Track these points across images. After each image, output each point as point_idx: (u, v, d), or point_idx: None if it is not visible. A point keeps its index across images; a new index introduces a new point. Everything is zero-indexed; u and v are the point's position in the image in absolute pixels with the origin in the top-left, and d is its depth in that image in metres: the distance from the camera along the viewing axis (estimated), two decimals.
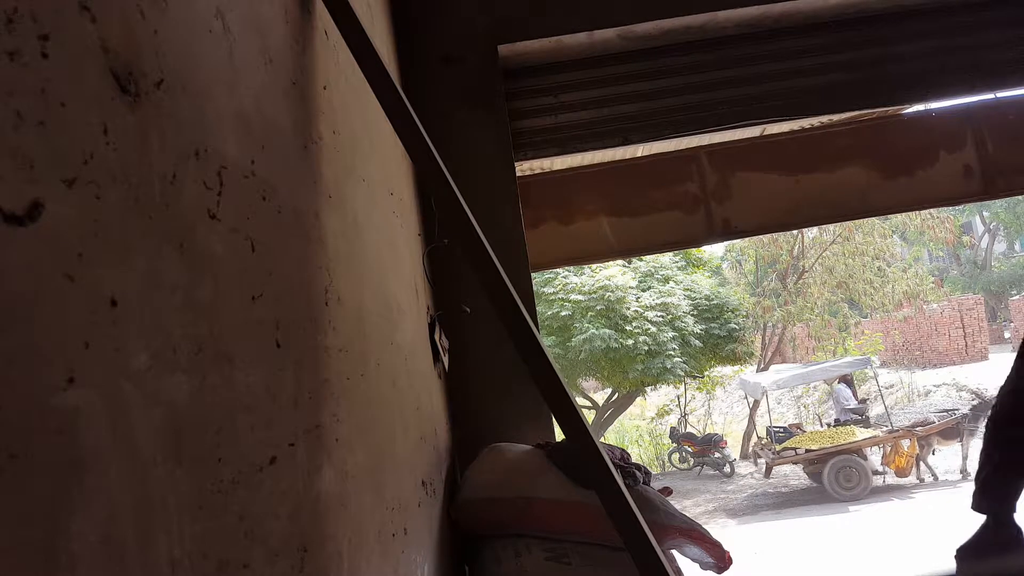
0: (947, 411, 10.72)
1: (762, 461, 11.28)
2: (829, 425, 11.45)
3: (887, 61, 2.60)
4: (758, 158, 2.80)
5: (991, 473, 1.48)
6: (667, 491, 1.92)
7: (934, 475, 10.23)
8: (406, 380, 1.52)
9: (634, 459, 1.98)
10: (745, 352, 12.45)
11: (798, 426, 12.09)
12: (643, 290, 11.56)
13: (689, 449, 12.95)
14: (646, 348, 10.74)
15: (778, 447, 10.50)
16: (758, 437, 12.31)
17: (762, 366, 14.71)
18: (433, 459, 1.75)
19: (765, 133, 2.83)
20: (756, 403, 14.70)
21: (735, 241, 14.61)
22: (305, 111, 1.04)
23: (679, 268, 12.53)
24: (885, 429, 10.57)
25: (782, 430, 11.36)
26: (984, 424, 1.58)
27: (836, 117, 2.76)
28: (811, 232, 14.02)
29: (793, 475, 11.80)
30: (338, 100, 1.25)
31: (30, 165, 0.44)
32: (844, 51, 2.60)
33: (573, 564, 1.65)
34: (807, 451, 10.07)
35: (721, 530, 9.30)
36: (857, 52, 2.60)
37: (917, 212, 13.60)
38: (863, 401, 11.79)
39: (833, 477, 9.78)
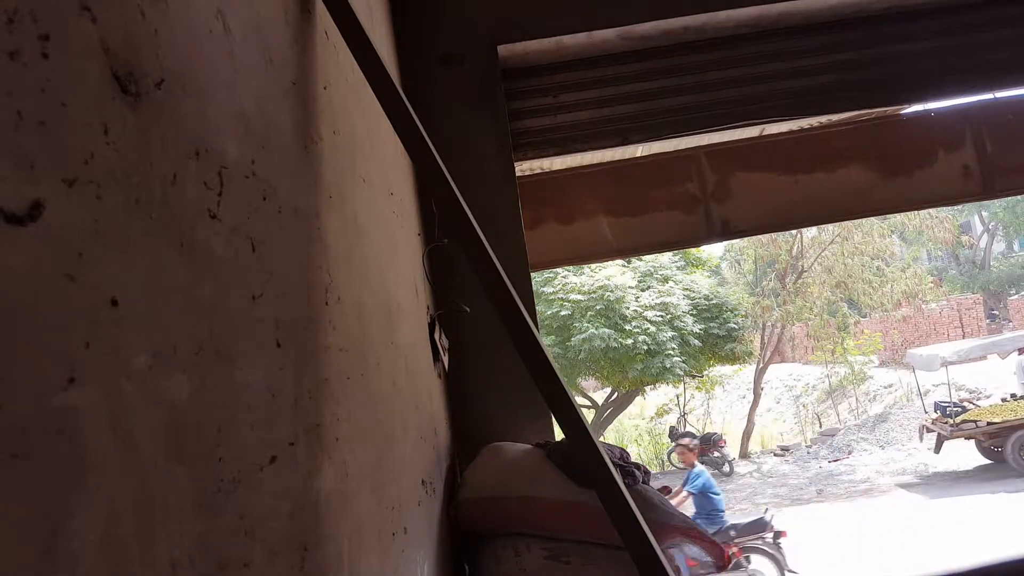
0: None
1: (930, 436, 10.67)
2: (1004, 400, 10.81)
3: (887, 61, 2.60)
4: (757, 158, 2.80)
5: None
6: (666, 490, 1.92)
7: None
8: (406, 380, 1.52)
9: (633, 458, 1.98)
10: (744, 351, 12.46)
11: (969, 400, 11.46)
12: (642, 290, 11.57)
13: None
14: (645, 348, 10.75)
15: (955, 420, 9.87)
16: (926, 412, 11.77)
17: (761, 366, 14.72)
18: (433, 458, 1.75)
19: (764, 133, 2.84)
20: (755, 401, 14.71)
21: (734, 241, 14.62)
22: (305, 111, 1.04)
23: (678, 268, 12.55)
24: None
25: (953, 404, 10.68)
26: None
27: (835, 117, 2.76)
28: (810, 232, 14.03)
29: (792, 474, 11.79)
30: (338, 100, 1.25)
31: (31, 165, 0.44)
32: (844, 51, 2.60)
33: (573, 563, 1.66)
34: (988, 423, 9.55)
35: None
36: (857, 52, 2.60)
37: (916, 212, 13.61)
38: None
39: (1018, 451, 9.25)
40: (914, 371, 12.44)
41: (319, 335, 0.95)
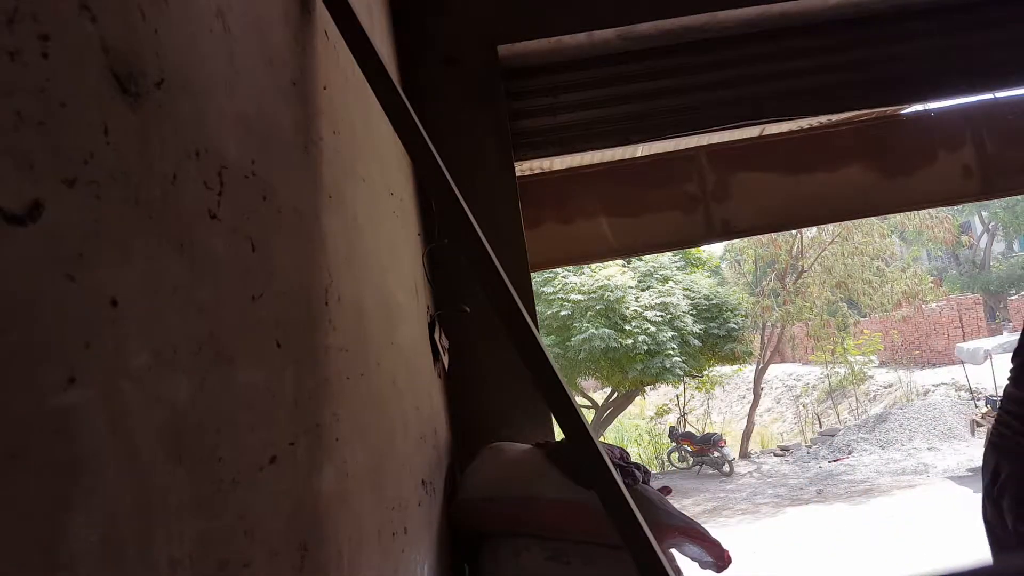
0: None
1: (981, 431, 10.55)
2: None
3: (887, 61, 2.60)
4: (757, 158, 2.80)
5: None
6: (666, 490, 1.92)
7: None
8: (406, 380, 1.52)
9: (633, 458, 1.99)
10: (744, 351, 12.45)
11: None
12: (642, 290, 11.57)
13: (688, 448, 12.96)
14: (645, 348, 10.74)
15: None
16: (976, 406, 11.66)
17: (761, 366, 14.72)
18: (433, 458, 1.75)
19: (764, 133, 2.84)
20: (755, 401, 14.71)
21: (734, 241, 14.62)
22: (305, 111, 1.04)
23: (678, 268, 12.55)
24: None
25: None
26: None
27: (836, 117, 2.77)
28: (810, 232, 14.03)
29: (792, 474, 11.80)
30: (338, 100, 1.25)
31: (30, 165, 0.44)
32: (844, 51, 2.60)
33: (573, 564, 1.65)
34: None
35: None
36: (857, 52, 2.60)
37: (916, 212, 13.61)
38: None
39: None
40: (963, 364, 12.33)
41: (319, 335, 0.95)
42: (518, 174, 2.52)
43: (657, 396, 15.54)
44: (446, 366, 2.16)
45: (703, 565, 1.83)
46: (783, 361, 20.14)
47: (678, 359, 11.07)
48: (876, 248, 14.15)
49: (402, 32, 2.33)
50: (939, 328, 17.56)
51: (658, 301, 11.25)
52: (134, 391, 0.51)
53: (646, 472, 1.90)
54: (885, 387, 16.26)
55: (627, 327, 10.75)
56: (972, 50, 2.61)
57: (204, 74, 0.70)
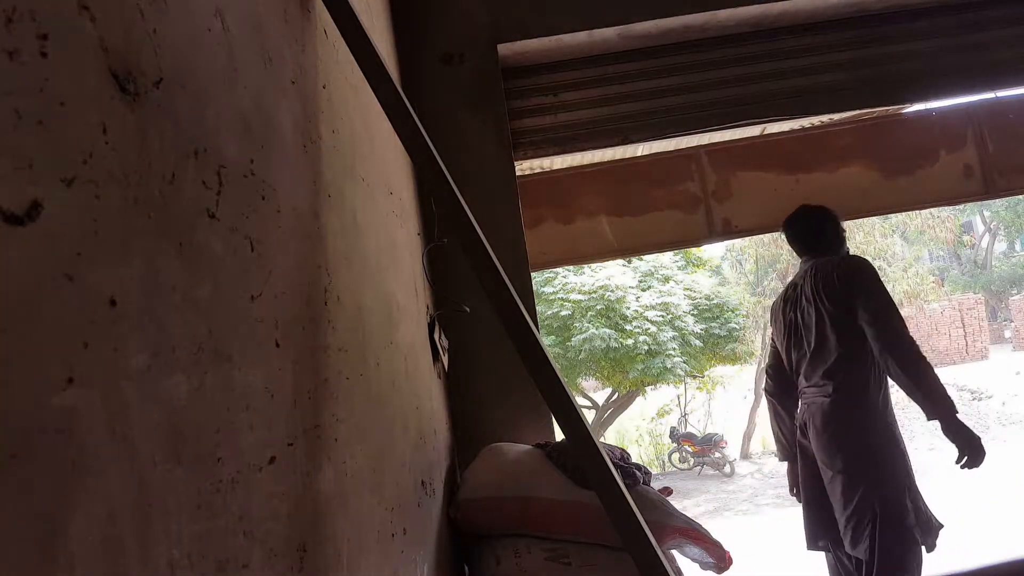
0: None
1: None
2: None
3: (887, 61, 2.60)
4: (758, 157, 2.80)
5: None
6: (667, 491, 1.92)
7: None
8: (406, 380, 1.52)
9: (634, 459, 1.98)
10: (745, 352, 12.44)
11: None
12: (643, 290, 11.55)
13: (689, 449, 12.95)
14: (646, 348, 10.73)
15: None
16: None
17: (762, 366, 14.69)
18: (433, 459, 1.75)
19: (765, 133, 2.83)
20: (757, 401, 14.70)
21: (735, 241, 14.59)
22: (304, 110, 1.04)
23: (679, 268, 12.53)
24: None
25: None
26: None
27: (837, 116, 2.76)
28: None
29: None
30: (337, 99, 1.25)
31: (29, 164, 0.44)
32: (844, 50, 2.60)
33: (573, 564, 1.65)
34: None
35: None
36: (857, 51, 2.60)
37: (918, 212, 13.60)
38: None
39: None
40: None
41: (318, 335, 0.95)
42: (518, 173, 2.52)
43: (658, 396, 15.51)
44: (446, 366, 2.16)
45: (704, 566, 1.82)
46: None
47: (679, 359, 11.05)
48: (878, 248, 14.13)
49: (402, 31, 2.33)
50: (941, 328, 17.54)
51: (659, 301, 11.24)
52: (133, 391, 0.51)
53: (647, 473, 1.90)
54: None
55: (628, 327, 10.73)
56: (973, 49, 2.61)
57: (203, 73, 0.70)
